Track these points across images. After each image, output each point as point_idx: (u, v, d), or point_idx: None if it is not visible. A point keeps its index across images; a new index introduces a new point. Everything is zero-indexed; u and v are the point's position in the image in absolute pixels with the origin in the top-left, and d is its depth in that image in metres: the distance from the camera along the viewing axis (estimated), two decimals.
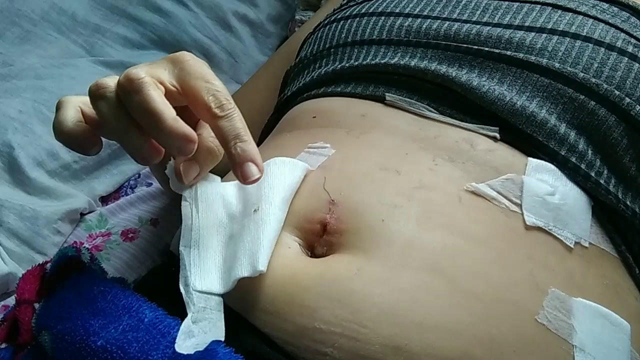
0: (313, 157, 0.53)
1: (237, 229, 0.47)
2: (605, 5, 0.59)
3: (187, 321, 0.43)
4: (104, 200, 0.93)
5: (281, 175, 0.49)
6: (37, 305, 0.53)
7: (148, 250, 0.85)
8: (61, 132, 0.45)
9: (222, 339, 0.42)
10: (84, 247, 0.67)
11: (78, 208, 0.86)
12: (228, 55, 1.02)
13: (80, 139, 0.45)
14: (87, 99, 0.46)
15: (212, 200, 0.48)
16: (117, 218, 0.89)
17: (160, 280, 0.54)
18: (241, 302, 0.46)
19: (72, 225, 0.86)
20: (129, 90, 0.42)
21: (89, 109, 0.46)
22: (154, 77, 0.44)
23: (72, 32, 1.05)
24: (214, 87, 0.44)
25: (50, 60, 1.00)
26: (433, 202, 0.48)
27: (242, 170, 0.45)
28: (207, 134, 0.47)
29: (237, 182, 0.49)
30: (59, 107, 0.46)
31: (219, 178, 0.51)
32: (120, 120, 0.43)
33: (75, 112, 0.45)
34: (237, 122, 0.44)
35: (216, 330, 0.43)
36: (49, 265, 0.63)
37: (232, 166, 0.45)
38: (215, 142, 0.47)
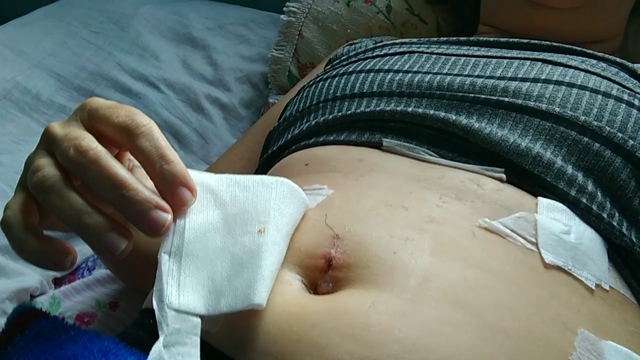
0: (310, 197, 0.49)
1: (233, 244, 0.41)
2: (594, 61, 0.60)
3: (157, 345, 0.37)
4: (58, 282, 0.85)
5: (291, 202, 0.44)
6: None
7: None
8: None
9: None
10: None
11: (29, 287, 0.78)
12: (199, 136, 1.00)
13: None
14: (20, 199, 0.42)
15: (201, 196, 0.41)
16: (71, 301, 0.81)
17: (140, 332, 0.47)
18: (235, 345, 0.40)
19: None
20: (83, 163, 0.39)
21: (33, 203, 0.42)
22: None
23: (35, 111, 1.01)
24: (124, 111, 0.41)
25: (10, 136, 0.95)
26: (446, 235, 0.44)
27: (175, 197, 0.39)
28: None
29: (230, 176, 0.43)
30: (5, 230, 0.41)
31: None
32: (77, 204, 0.39)
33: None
34: (159, 140, 0.39)
35: (190, 359, 0.37)
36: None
37: (161, 193, 0.39)
38: None
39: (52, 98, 1.03)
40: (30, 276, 0.79)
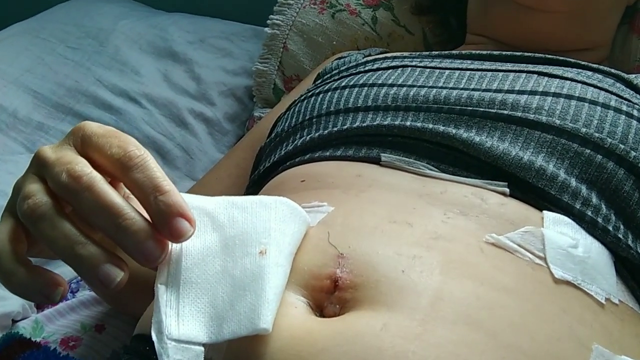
0: (310, 214, 0.48)
1: (233, 267, 0.39)
2: (590, 73, 0.59)
3: None
4: (40, 306, 0.82)
5: (292, 222, 0.43)
6: None
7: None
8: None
9: None
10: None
11: (10, 312, 0.75)
12: (183, 152, 0.97)
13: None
14: (7, 227, 0.39)
15: (197, 220, 0.39)
16: (54, 325, 0.78)
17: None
18: None
19: (2, 333, 0.74)
20: (76, 189, 0.37)
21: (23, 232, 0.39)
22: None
23: (12, 129, 0.98)
24: (117, 141, 0.39)
25: None
26: (455, 252, 0.43)
27: (171, 229, 0.36)
28: None
29: (226, 198, 0.41)
30: None
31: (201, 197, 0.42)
32: (71, 234, 0.37)
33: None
34: (153, 171, 0.37)
35: None
36: None
37: (158, 226, 0.37)
38: None
39: (30, 115, 1.00)
40: (12, 300, 0.76)
